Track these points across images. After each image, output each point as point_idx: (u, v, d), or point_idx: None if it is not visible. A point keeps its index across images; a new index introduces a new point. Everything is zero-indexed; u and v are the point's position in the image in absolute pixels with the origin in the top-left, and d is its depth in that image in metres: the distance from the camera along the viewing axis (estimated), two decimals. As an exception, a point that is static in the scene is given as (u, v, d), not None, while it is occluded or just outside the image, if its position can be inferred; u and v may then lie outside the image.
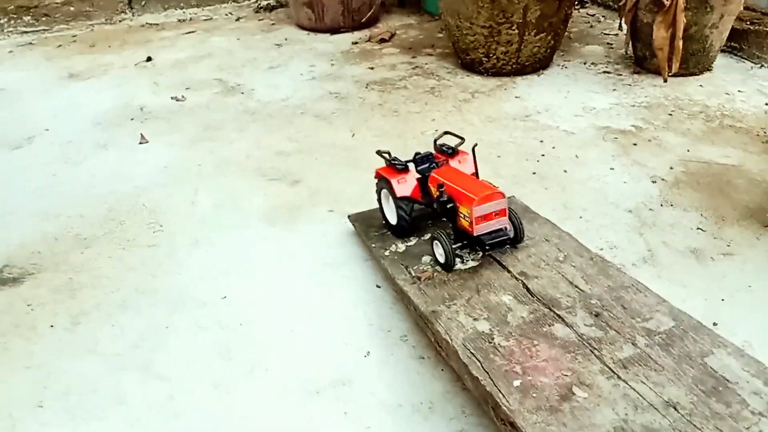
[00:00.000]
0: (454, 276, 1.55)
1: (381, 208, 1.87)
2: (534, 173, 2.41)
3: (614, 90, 3.16)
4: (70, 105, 3.22)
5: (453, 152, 1.84)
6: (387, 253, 1.75)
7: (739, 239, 1.98)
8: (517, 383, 1.20)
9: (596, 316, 1.35)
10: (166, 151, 2.74)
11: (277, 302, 1.78)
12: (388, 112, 3.01)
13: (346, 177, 2.43)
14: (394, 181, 1.75)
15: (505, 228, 1.60)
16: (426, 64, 3.60)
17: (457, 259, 1.60)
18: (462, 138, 1.85)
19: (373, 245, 1.79)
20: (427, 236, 1.76)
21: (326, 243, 2.03)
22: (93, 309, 1.80)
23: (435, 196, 1.65)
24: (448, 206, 1.61)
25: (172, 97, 3.31)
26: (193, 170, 2.56)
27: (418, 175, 1.80)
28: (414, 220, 1.77)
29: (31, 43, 4.20)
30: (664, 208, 2.15)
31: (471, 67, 3.40)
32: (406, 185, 1.75)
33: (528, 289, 1.46)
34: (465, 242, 1.63)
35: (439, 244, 1.60)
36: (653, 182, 2.31)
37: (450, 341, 1.34)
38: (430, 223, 1.81)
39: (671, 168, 2.41)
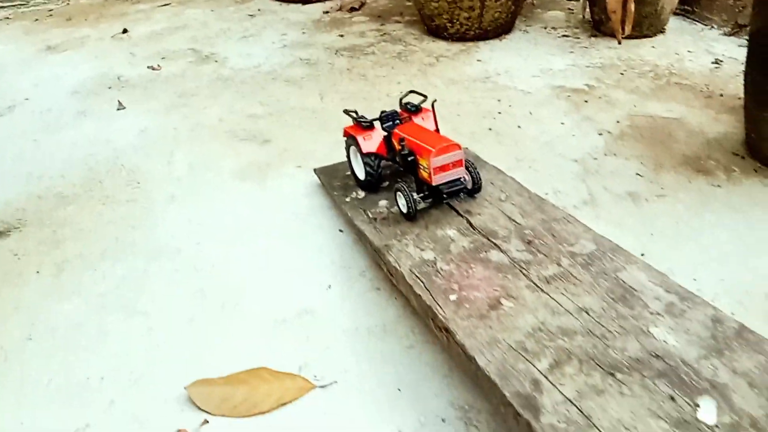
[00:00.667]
0: (406, 216, 1.71)
1: (350, 165, 1.98)
2: (490, 129, 2.57)
3: (571, 52, 3.32)
4: (49, 76, 3.33)
5: (416, 110, 1.93)
6: (348, 199, 1.91)
7: (673, 183, 2.16)
8: (453, 298, 1.37)
9: (528, 243, 1.52)
10: (142, 117, 2.87)
11: (247, 247, 1.94)
12: (356, 77, 3.15)
13: (314, 137, 2.57)
14: (360, 138, 1.85)
15: (463, 178, 1.69)
16: (394, 31, 3.74)
17: (399, 192, 1.73)
18: (424, 96, 1.94)
19: (335, 193, 1.95)
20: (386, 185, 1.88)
21: (293, 195, 2.18)
22: (76, 258, 1.94)
23: (398, 150, 1.74)
24: (409, 159, 1.70)
25: (148, 67, 3.42)
26: (168, 134, 2.69)
27: (384, 132, 1.89)
28: (381, 175, 1.88)
29: (8, 18, 4.28)
30: (608, 158, 2.32)
31: (436, 33, 3.54)
32: (371, 141, 1.86)
33: (471, 224, 1.63)
34: (426, 193, 1.72)
35: (401, 194, 1.69)
36: (600, 135, 2.48)
37: (399, 268, 1.50)
38: (399, 181, 1.84)
39: (618, 122, 2.57)
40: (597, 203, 2.07)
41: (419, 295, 1.39)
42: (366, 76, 3.16)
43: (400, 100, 2.01)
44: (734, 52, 3.20)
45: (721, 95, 2.77)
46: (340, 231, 1.98)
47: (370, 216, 1.78)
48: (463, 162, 1.66)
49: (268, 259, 1.89)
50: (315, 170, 2.16)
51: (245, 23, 4.01)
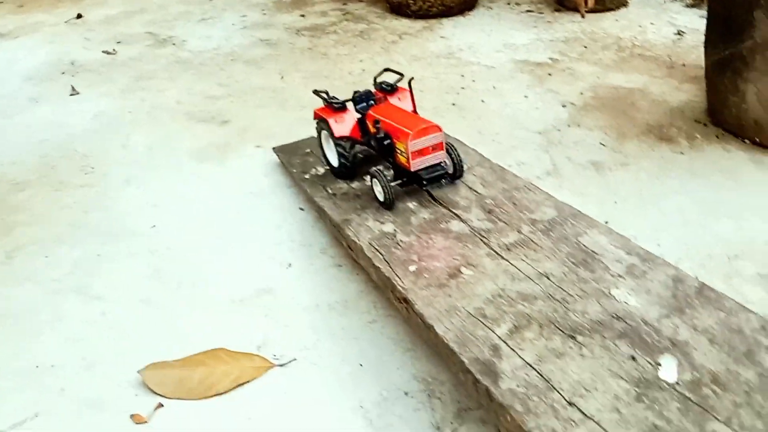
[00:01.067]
0: (366, 189, 1.67)
1: (322, 151, 1.84)
2: (453, 104, 2.53)
3: (535, 27, 3.29)
4: (1, 63, 3.22)
5: (392, 89, 1.79)
6: (307, 176, 1.86)
7: (636, 152, 2.14)
8: (412, 268, 1.33)
9: (489, 212, 1.49)
10: (98, 101, 2.79)
11: (205, 228, 1.88)
12: (317, 56, 3.10)
13: (274, 116, 2.52)
14: (332, 121, 1.71)
15: (444, 163, 1.57)
16: (356, 10, 3.68)
17: (375, 179, 1.60)
18: (401, 74, 1.80)
19: (295, 171, 1.90)
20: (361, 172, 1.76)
21: (253, 175, 2.13)
22: (29, 243, 1.87)
23: (372, 133, 1.62)
24: (385, 143, 1.58)
25: (103, 51, 3.33)
26: (125, 117, 2.62)
27: (358, 114, 1.75)
28: (357, 161, 1.74)
29: (-43, 5, 4.14)
30: (571, 129, 2.30)
31: (399, 10, 3.49)
32: (344, 124, 1.72)
33: (431, 196, 1.59)
34: (404, 179, 1.60)
35: (377, 181, 1.57)
36: (563, 107, 2.46)
37: (358, 242, 1.46)
38: (375, 167, 1.66)
39: (581, 94, 2.56)
40: (560, 173, 2.05)
41: (378, 268, 1.35)
42: (327, 55, 3.11)
43: (375, 79, 1.85)
44: (696, 23, 3.20)
45: (684, 65, 2.76)
46: (301, 209, 1.93)
47: (330, 192, 1.74)
48: (444, 145, 1.56)
49: (226, 239, 1.83)
50: (274, 149, 2.11)
51: (205, 5, 3.92)
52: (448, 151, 1.59)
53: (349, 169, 1.73)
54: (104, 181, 2.18)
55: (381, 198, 1.58)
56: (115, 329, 1.55)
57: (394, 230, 1.48)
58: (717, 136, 2.20)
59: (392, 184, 1.56)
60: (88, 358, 1.47)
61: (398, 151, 1.57)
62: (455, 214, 1.49)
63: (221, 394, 1.36)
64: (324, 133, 1.79)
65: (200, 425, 1.29)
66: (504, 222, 1.44)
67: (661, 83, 2.61)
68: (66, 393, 1.39)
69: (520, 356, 1.05)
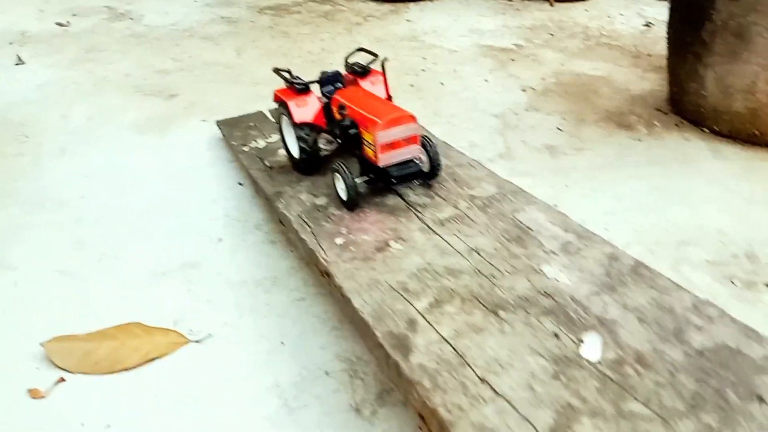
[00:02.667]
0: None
1: (283, 140, 1.63)
2: (412, 86, 2.45)
3: (502, 14, 3.22)
4: (-56, 29, 3.08)
5: (364, 72, 1.58)
6: (246, 149, 1.76)
7: (593, 137, 2.08)
8: (339, 241, 1.24)
9: (428, 187, 1.41)
10: (43, 71, 2.67)
11: (137, 200, 1.78)
12: (277, 34, 3.00)
13: (224, 92, 2.42)
14: (292, 104, 1.49)
15: (417, 159, 1.38)
16: (322, -9, 3.58)
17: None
18: (375, 54, 1.59)
19: (234, 143, 1.80)
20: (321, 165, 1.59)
21: (194, 148, 2.03)
22: (-55, 211, 1.75)
23: (337, 120, 1.42)
24: (351, 132, 1.37)
25: (56, 23, 3.20)
26: (69, 88, 2.50)
27: (324, 99, 1.55)
28: (319, 153, 1.54)
29: None
30: (529, 113, 2.23)
31: (365, -7, 3.39)
32: (306, 109, 1.49)
33: (370, 169, 1.50)
34: (371, 176, 1.40)
35: (339, 177, 1.35)
36: (523, 91, 2.38)
37: (287, 214, 1.37)
38: (337, 161, 1.45)
39: (543, 79, 2.48)
40: (513, 156, 1.97)
41: (304, 240, 1.27)
42: (288, 33, 3.01)
43: (346, 59, 1.63)
44: (665, 15, 3.14)
45: (649, 55, 2.71)
46: (240, 184, 1.84)
47: (267, 165, 1.64)
48: (419, 139, 1.36)
49: (158, 211, 1.73)
50: (217, 122, 2.02)
51: (167, -19, 3.80)
52: (423, 146, 1.40)
53: (311, 161, 1.53)
54: (38, 150, 2.06)
55: (344, 197, 1.37)
56: (25, 300, 1.45)
57: (327, 203, 1.40)
58: (676, 125, 2.14)
59: (357, 181, 1.36)
60: (-8, 330, 1.36)
61: (365, 142, 1.35)
62: (392, 189, 1.40)
63: (129, 369, 1.25)
64: (284, 119, 1.57)
65: (102, 401, 1.19)
66: (441, 197, 1.36)
67: (626, 72, 2.55)
68: (-38, 366, 1.28)
69: (436, 331, 0.97)
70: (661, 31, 2.97)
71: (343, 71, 1.62)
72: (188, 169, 1.92)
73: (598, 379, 0.86)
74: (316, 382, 1.24)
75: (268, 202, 1.51)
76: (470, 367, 0.90)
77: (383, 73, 1.53)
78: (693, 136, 2.06)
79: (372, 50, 1.60)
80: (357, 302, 1.05)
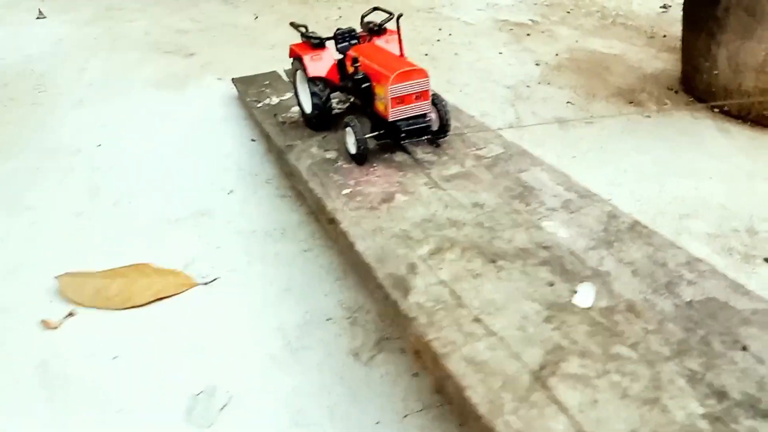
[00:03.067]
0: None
1: (297, 95, 1.63)
2: (426, 55, 2.47)
3: (520, -11, 3.22)
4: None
5: (380, 30, 1.58)
6: (260, 105, 1.80)
7: (603, 111, 2.09)
8: (346, 191, 1.28)
9: (436, 146, 1.44)
10: (62, 27, 2.70)
11: (152, 151, 1.82)
12: (295, 0, 3.01)
13: (241, 52, 2.45)
14: (306, 58, 1.49)
15: (427, 116, 1.37)
16: (342, -40, 3.58)
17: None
18: (390, 13, 1.54)
19: (248, 99, 1.83)
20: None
21: (210, 105, 2.07)
22: (-37, 154, 1.80)
23: (350, 74, 1.42)
24: (363, 86, 1.38)
25: (77, -20, 3.22)
26: (87, 44, 2.53)
27: (338, 55, 1.57)
28: (331, 108, 1.55)
29: None
30: (541, 86, 2.25)
31: (384, -37, 3.39)
32: (320, 63, 1.50)
33: (380, 128, 1.53)
34: (382, 131, 1.39)
35: (350, 131, 1.37)
36: (536, 65, 2.40)
37: (297, 166, 1.41)
38: (350, 116, 1.44)
39: (557, 54, 2.50)
40: (523, 124, 1.99)
41: (312, 189, 1.30)
42: (307, 0, 3.02)
43: (362, 18, 1.63)
44: (683, -3, 3.13)
45: (665, 36, 2.71)
46: (253, 140, 1.88)
47: (280, 120, 1.68)
48: (429, 94, 1.35)
49: (171, 163, 1.78)
50: (233, 80, 2.05)
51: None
52: (434, 104, 1.40)
53: (323, 117, 1.54)
54: (56, 100, 2.10)
55: (353, 150, 1.38)
56: (41, 239, 1.50)
57: (337, 157, 1.43)
58: (686, 104, 2.16)
59: (367, 136, 1.37)
60: (10, 265, 1.42)
61: (377, 96, 1.36)
62: (401, 147, 1.44)
63: (138, 306, 1.30)
64: (299, 73, 1.58)
65: (111, 334, 1.24)
66: (449, 156, 1.39)
67: (639, 51, 2.55)
68: (-22, 295, 1.33)
69: (435, 274, 1.00)
70: (677, 13, 2.96)
71: (358, 29, 1.63)
72: (203, 123, 1.96)
73: (590, 323, 0.89)
74: (318, 326, 1.28)
75: (280, 155, 1.55)
76: (467, 308, 0.93)
77: (398, 31, 1.48)
78: (702, 114, 2.08)
79: (389, 10, 1.57)
80: (360, 246, 1.09)
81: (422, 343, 0.87)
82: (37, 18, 2.74)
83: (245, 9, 2.88)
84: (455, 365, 0.80)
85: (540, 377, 0.79)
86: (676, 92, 2.21)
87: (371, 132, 1.40)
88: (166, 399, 1.10)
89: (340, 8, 2.90)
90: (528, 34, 2.66)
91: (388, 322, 1.21)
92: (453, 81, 2.25)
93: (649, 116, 2.05)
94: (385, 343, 1.23)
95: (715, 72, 1.98)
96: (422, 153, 1.43)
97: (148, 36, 2.59)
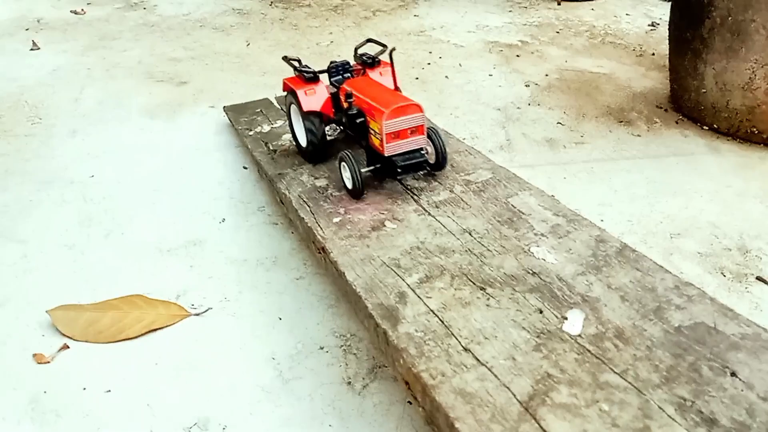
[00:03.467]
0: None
1: (291, 129, 1.65)
2: (416, 78, 2.49)
3: (510, 11, 3.25)
4: (-39, 14, 3.15)
5: (373, 62, 1.59)
6: (251, 133, 1.81)
7: (593, 132, 2.11)
8: (336, 220, 1.29)
9: (432, 177, 1.45)
10: (57, 57, 2.72)
11: (145, 180, 1.83)
12: (287, 26, 3.04)
13: (233, 80, 2.46)
14: (301, 93, 1.49)
15: (424, 149, 1.37)
16: (333, -15, 3.62)
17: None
18: (384, 45, 1.58)
19: (239, 128, 1.85)
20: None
21: (202, 133, 2.08)
22: (-42, 187, 1.81)
23: (344, 108, 1.43)
24: (358, 121, 1.38)
25: (71, 11, 3.25)
26: (81, 73, 2.55)
27: (332, 87, 1.57)
28: (326, 141, 1.56)
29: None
30: (531, 107, 2.26)
31: (375, -13, 3.43)
32: (315, 97, 1.50)
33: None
34: (378, 165, 1.40)
35: (345, 166, 1.37)
36: (526, 86, 2.42)
37: (288, 194, 1.41)
38: (344, 150, 1.45)
39: (546, 75, 2.52)
40: (513, 148, 2.01)
41: (303, 218, 1.31)
42: (298, 26, 3.06)
43: (356, 50, 1.64)
44: (671, 15, 3.17)
45: (653, 54, 2.74)
46: (245, 168, 1.88)
47: (270, 148, 1.69)
48: (425, 129, 1.35)
49: (164, 192, 1.78)
50: (224, 108, 2.06)
51: (180, -27, 3.84)
52: (429, 137, 1.41)
53: (318, 150, 1.54)
54: (50, 131, 2.11)
55: (349, 185, 1.39)
56: (33, 272, 1.50)
57: (327, 185, 1.44)
58: (676, 122, 2.17)
59: (363, 170, 1.37)
60: (0, 298, 1.41)
61: (372, 131, 1.36)
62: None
63: (131, 338, 1.30)
64: (293, 107, 1.58)
65: (104, 367, 1.24)
66: (438, 182, 1.40)
67: (628, 70, 2.58)
68: (-30, 330, 1.33)
69: (425, 303, 1.01)
70: (665, 30, 3.00)
71: (352, 62, 1.64)
72: (195, 152, 1.97)
73: (578, 351, 0.90)
74: (310, 355, 1.28)
75: (271, 183, 1.55)
76: (455, 337, 0.93)
77: (391, 64, 1.52)
78: (691, 132, 2.09)
79: (382, 42, 1.60)
80: (350, 276, 1.09)
81: (412, 374, 0.87)
82: (31, 49, 2.75)
83: (237, 36, 2.91)
84: (444, 397, 0.80)
85: (529, 407, 0.79)
86: (666, 110, 2.22)
87: (367, 165, 1.41)
88: (159, 432, 1.10)
89: (331, 33, 2.93)
90: (518, 56, 2.69)
91: (380, 351, 1.21)
92: (443, 104, 2.27)
93: (639, 135, 2.06)
94: (378, 371, 1.23)
95: (703, 90, 1.99)
96: (412, 179, 1.44)
97: (141, 65, 2.61)
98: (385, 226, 1.25)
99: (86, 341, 1.31)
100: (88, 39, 2.90)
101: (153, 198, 1.76)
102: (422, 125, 1.33)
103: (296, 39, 2.87)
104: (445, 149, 1.42)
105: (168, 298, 1.40)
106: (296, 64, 1.54)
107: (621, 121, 2.16)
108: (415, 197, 1.35)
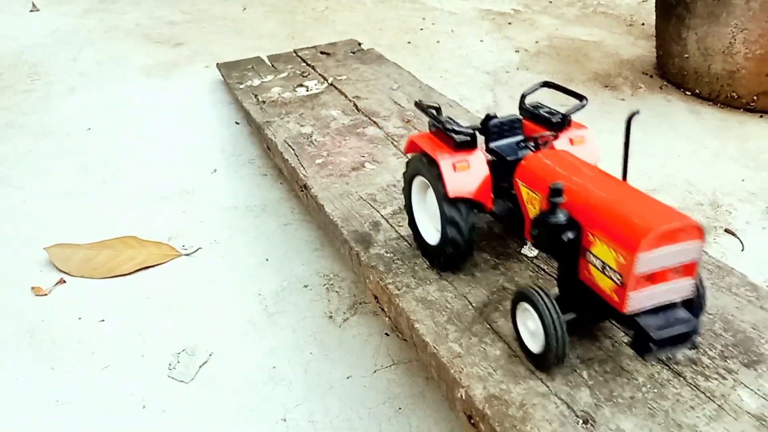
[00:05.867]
0: (295, 99, 1.68)
1: (410, 213, 1.06)
2: (409, 42, 2.54)
3: (504, -19, 3.29)
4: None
5: (562, 124, 1.01)
6: (242, 86, 1.87)
7: (578, 95, 2.16)
8: (319, 161, 1.35)
9: (407, 122, 1.51)
10: (56, 18, 2.77)
11: (139, 134, 1.89)
12: (283, -7, 3.08)
13: (228, 42, 2.52)
14: (447, 166, 0.93)
15: (693, 301, 0.79)
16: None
17: (302, 88, 1.25)
18: (581, 96, 1.03)
19: (231, 81, 1.90)
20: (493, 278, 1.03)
21: (196, 90, 2.14)
22: (-43, 138, 1.87)
23: (540, 209, 0.87)
24: (566, 237, 0.80)
25: (71, -25, 3.29)
26: (80, 34, 2.60)
27: (488, 156, 1.01)
28: (473, 240, 0.97)
29: None
30: (520, 72, 2.32)
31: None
32: (468, 177, 0.93)
33: (356, 106, 1.61)
34: (596, 315, 0.84)
35: (535, 311, 0.80)
36: (516, 52, 2.47)
37: (274, 139, 1.48)
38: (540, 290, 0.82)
39: (537, 42, 2.56)
40: (500, 109, 2.06)
41: (287, 160, 1.37)
42: (294, -8, 3.10)
43: (522, 98, 1.07)
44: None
45: (643, 24, 2.78)
46: (237, 123, 1.95)
47: (260, 99, 1.75)
48: (697, 267, 0.77)
49: (158, 144, 1.85)
50: (218, 64, 2.12)
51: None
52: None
53: (462, 254, 0.97)
54: (48, 88, 2.17)
55: (535, 348, 0.82)
56: (32, 215, 1.57)
57: (312, 132, 1.50)
58: (660, 87, 2.22)
59: (565, 319, 0.79)
60: (0, 238, 1.48)
61: (594, 261, 0.78)
62: (374, 122, 1.51)
63: (124, 275, 1.37)
64: (419, 180, 1.01)
65: (98, 300, 1.31)
66: (418, 130, 1.46)
67: (618, 38, 2.62)
68: (-30, 266, 1.40)
69: (396, 231, 1.07)
70: (658, 2, 3.04)
71: (515, 112, 1.07)
72: (190, 108, 2.03)
73: (533, 270, 0.96)
74: (294, 292, 1.35)
75: (258, 131, 1.61)
76: (421, 258, 1.00)
77: (626, 141, 0.92)
78: (674, 97, 2.15)
79: (572, 90, 1.04)
80: (329, 208, 1.16)
81: (380, 287, 0.94)
82: (31, 11, 2.81)
83: (234, 1, 2.95)
84: (407, 304, 0.87)
85: (483, 312, 0.86)
86: (651, 77, 2.27)
87: (560, 306, 0.79)
88: (150, 357, 1.17)
89: None
90: (510, 23, 2.73)
91: (363, 284, 1.28)
92: (433, 67, 2.32)
93: (623, 99, 2.12)
94: (359, 306, 1.30)
95: (686, 56, 2.05)
96: (393, 128, 1.50)
97: (139, 27, 2.66)
98: (364, 167, 1.31)
99: (81, 276, 1.37)
100: (88, 2, 2.96)
101: (148, 150, 1.82)
102: (696, 262, 0.76)
103: (293, 5, 2.92)
104: (704, 289, 0.82)
105: (160, 240, 1.47)
106: (434, 112, 0.98)
107: (607, 86, 2.21)
108: (395, 143, 1.41)
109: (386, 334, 1.23)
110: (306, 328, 1.26)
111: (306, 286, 1.36)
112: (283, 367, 1.16)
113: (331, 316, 1.29)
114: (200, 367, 1.16)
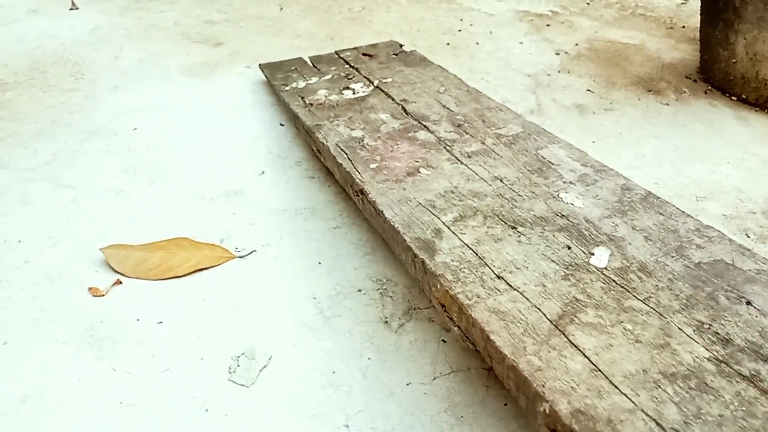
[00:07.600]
0: (342, 101, 1.69)
1: None
2: (448, 44, 2.53)
3: (540, -18, 3.27)
4: (3, -25, 3.22)
5: None
6: (287, 88, 1.87)
7: (622, 99, 2.15)
8: (373, 166, 1.35)
9: (458, 126, 1.51)
10: (96, 17, 2.80)
11: (185, 134, 1.91)
12: (319, -7, 3.09)
13: (267, 42, 2.53)
14: None
15: None
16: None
17: (348, 91, 1.50)
18: None
19: (276, 83, 1.91)
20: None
21: (238, 91, 2.15)
22: (8, 136, 1.90)
23: None
24: None
25: (108, -26, 3.31)
26: (120, 33, 2.63)
27: None
28: None
29: None
30: (561, 75, 2.30)
31: (406, -44, 3.46)
32: None
33: (405, 110, 1.61)
34: None
35: None
36: (557, 54, 2.45)
37: (325, 143, 1.48)
38: None
39: (576, 44, 2.55)
40: (543, 113, 2.06)
41: (340, 164, 1.38)
42: (330, -8, 3.10)
43: None
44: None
45: (684, 27, 2.75)
46: (281, 125, 1.95)
47: (307, 102, 1.76)
48: None
49: (204, 145, 1.86)
50: (260, 65, 2.13)
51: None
52: None
53: None
54: (92, 86, 2.19)
55: None
56: (84, 214, 1.58)
57: (363, 135, 1.50)
58: (705, 92, 2.20)
59: None
60: (55, 237, 1.50)
61: None
62: (424, 126, 1.51)
63: (179, 277, 1.38)
64: None
65: (155, 302, 1.32)
66: (470, 135, 1.46)
67: (658, 41, 2.60)
68: (29, 265, 1.42)
69: (459, 238, 1.07)
70: (696, 5, 3.01)
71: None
72: (232, 109, 2.04)
73: (604, 281, 0.96)
74: (349, 296, 1.36)
75: (308, 134, 1.62)
76: (488, 267, 1.00)
77: None
78: (720, 102, 2.13)
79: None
80: (389, 214, 1.16)
81: (449, 296, 0.94)
82: (70, 9, 2.83)
83: (270, 0, 2.96)
84: (480, 314, 0.87)
85: (559, 325, 0.86)
86: (695, 81, 2.25)
87: None
88: (209, 359, 1.18)
89: None
90: (548, 25, 2.72)
91: (417, 282, 1.28)
92: (474, 69, 2.31)
93: (667, 104, 2.10)
94: (413, 312, 1.30)
95: (733, 61, 2.02)
96: (444, 132, 1.50)
97: (177, 26, 2.67)
98: (419, 172, 1.31)
99: (137, 278, 1.39)
100: (125, 0, 2.97)
101: (194, 150, 1.84)
102: None
103: (328, 4, 2.93)
104: None
105: (213, 242, 1.48)
106: None
107: (650, 90, 2.19)
108: (448, 148, 1.41)
109: (443, 341, 1.23)
110: (362, 333, 1.26)
111: (359, 291, 1.37)
112: (342, 371, 1.17)
113: (386, 321, 1.29)
114: (260, 371, 1.16)
